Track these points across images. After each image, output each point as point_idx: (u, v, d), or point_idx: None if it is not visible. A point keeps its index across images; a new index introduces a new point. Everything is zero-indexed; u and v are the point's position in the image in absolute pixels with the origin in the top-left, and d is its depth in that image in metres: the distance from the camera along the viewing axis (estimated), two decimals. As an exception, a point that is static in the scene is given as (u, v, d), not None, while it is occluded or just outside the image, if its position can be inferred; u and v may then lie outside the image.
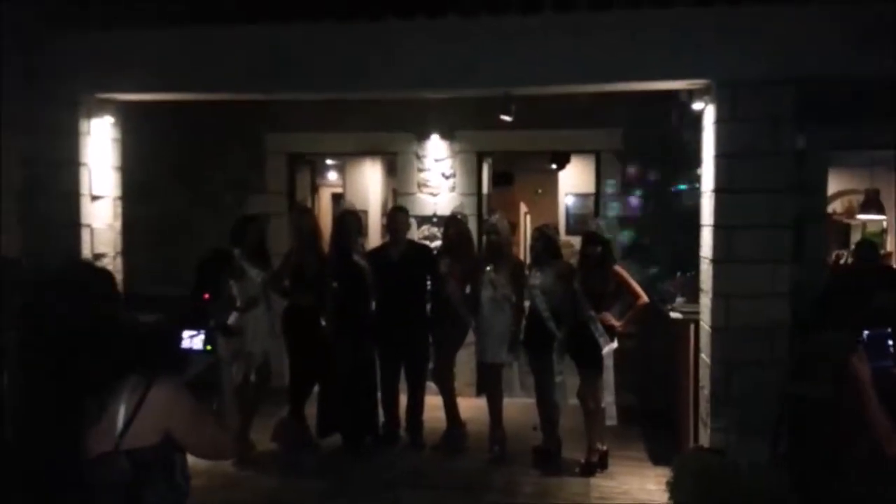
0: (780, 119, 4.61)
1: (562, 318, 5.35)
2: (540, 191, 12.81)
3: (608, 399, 5.26)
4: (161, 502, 1.91)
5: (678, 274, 6.05)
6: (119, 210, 5.72)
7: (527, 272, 5.63)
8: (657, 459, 5.45)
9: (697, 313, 5.22)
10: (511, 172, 11.21)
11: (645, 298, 5.34)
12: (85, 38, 5.16)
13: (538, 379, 5.51)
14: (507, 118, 5.38)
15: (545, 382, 5.45)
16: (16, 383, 1.99)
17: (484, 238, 5.84)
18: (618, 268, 5.45)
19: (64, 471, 1.83)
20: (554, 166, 10.09)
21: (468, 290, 5.71)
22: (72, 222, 5.30)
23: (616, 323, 5.31)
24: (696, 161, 5.84)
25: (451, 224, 5.98)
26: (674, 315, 5.58)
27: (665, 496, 4.57)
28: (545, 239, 5.49)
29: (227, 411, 2.19)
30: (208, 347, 2.14)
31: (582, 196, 10.52)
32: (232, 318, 5.10)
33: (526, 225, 11.21)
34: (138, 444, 1.85)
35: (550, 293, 5.38)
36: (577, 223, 10.28)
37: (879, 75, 4.53)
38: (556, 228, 6.33)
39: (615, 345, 5.27)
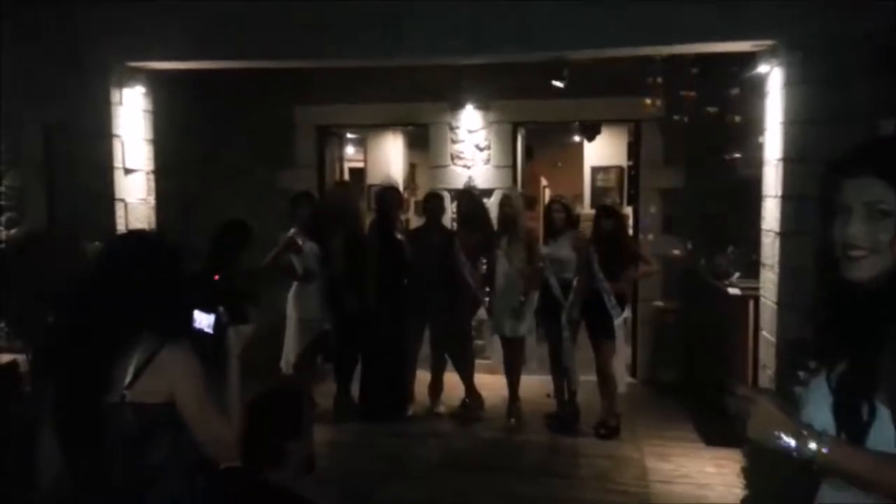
0: (853, 83, 4.38)
1: (574, 287, 5.35)
2: (560, 164, 12.62)
3: (620, 368, 5.42)
4: (166, 461, 1.92)
5: (730, 248, 5.84)
6: (153, 184, 5.50)
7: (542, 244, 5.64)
8: (710, 440, 5.26)
9: (757, 289, 5.03)
10: (530, 145, 10.97)
11: (651, 268, 5.58)
12: (116, 4, 4.90)
13: (550, 347, 5.55)
14: (559, 84, 5.16)
15: (557, 350, 5.47)
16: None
17: (497, 211, 5.71)
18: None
19: (86, 417, 1.87)
20: (577, 139, 9.89)
21: (484, 264, 5.65)
22: (105, 196, 5.08)
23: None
24: (748, 130, 5.65)
25: (464, 198, 5.95)
26: (732, 291, 5.39)
27: (725, 478, 4.42)
28: (560, 209, 5.51)
29: (230, 403, 2.06)
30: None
31: (608, 169, 10.33)
32: (292, 290, 5.53)
33: (544, 199, 11.03)
34: (144, 399, 1.87)
35: (564, 263, 5.38)
36: (601, 196, 10.08)
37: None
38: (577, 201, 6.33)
39: (627, 314, 5.48)
